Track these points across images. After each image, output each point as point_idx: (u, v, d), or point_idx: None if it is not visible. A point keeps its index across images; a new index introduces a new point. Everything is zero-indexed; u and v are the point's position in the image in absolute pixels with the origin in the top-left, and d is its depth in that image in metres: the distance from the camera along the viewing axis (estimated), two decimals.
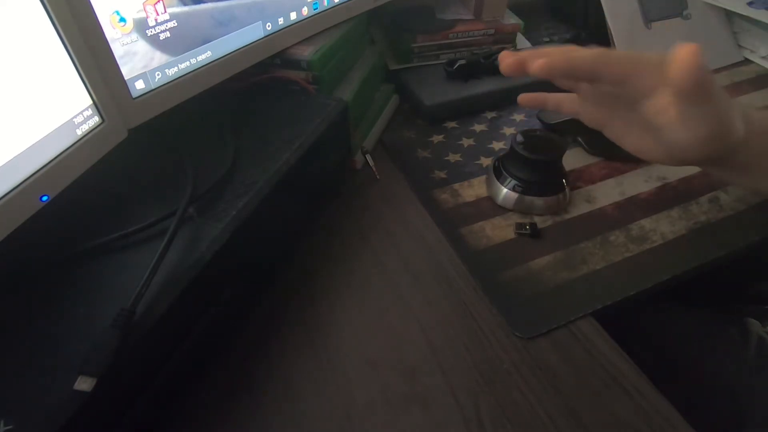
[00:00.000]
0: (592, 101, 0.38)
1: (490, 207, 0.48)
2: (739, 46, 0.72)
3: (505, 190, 0.47)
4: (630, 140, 0.37)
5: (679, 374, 0.42)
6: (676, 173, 0.50)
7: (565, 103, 0.40)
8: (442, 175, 0.52)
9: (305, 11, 0.48)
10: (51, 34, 0.29)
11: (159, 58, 0.37)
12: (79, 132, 0.32)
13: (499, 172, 0.48)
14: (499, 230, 0.45)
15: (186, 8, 0.37)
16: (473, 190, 0.50)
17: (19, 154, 0.28)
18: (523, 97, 0.41)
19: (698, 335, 0.48)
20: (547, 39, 0.75)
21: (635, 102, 0.33)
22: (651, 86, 0.31)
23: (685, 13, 0.69)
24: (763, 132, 0.34)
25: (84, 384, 0.24)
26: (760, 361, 0.45)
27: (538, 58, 0.32)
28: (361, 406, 0.34)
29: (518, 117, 0.60)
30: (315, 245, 0.45)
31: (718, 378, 0.45)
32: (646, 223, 0.45)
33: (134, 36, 0.34)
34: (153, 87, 0.37)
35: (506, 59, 0.34)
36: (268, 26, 0.45)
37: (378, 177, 0.52)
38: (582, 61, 0.32)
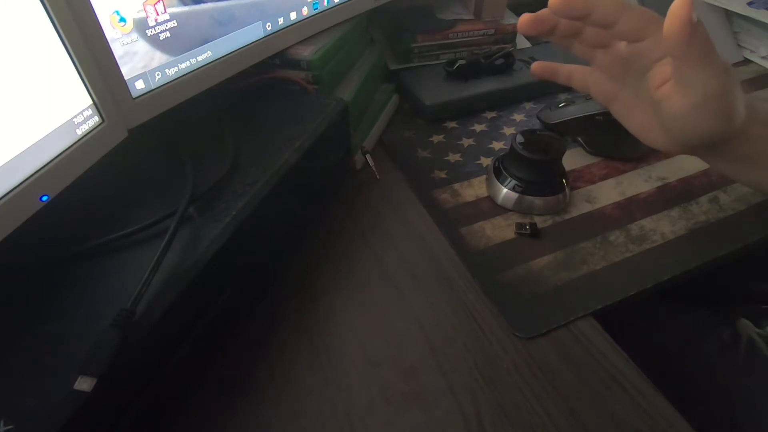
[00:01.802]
0: (604, 71, 0.38)
1: (490, 207, 0.48)
2: (739, 46, 0.72)
3: (505, 190, 0.47)
4: (635, 118, 0.37)
5: (673, 375, 0.42)
6: (676, 173, 0.50)
7: (576, 74, 0.40)
8: (442, 175, 0.52)
9: (305, 11, 0.48)
10: (51, 34, 0.29)
11: (159, 58, 0.37)
12: (79, 132, 0.32)
13: (499, 172, 0.48)
14: (499, 230, 0.45)
15: (186, 8, 0.37)
16: (473, 190, 0.50)
17: (19, 154, 0.28)
18: (536, 65, 0.41)
19: (692, 336, 0.48)
20: (547, 39, 0.74)
21: (644, 71, 0.34)
22: (659, 55, 0.32)
23: None
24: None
25: (84, 384, 0.24)
26: (750, 362, 0.45)
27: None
28: (361, 406, 0.34)
29: (518, 117, 0.60)
30: (315, 245, 0.45)
31: (711, 379, 0.45)
32: (646, 223, 0.45)
33: (134, 36, 0.34)
34: (153, 87, 0.37)
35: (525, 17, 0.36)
36: (268, 26, 0.45)
37: (378, 177, 0.52)
38: (604, 3, 0.33)
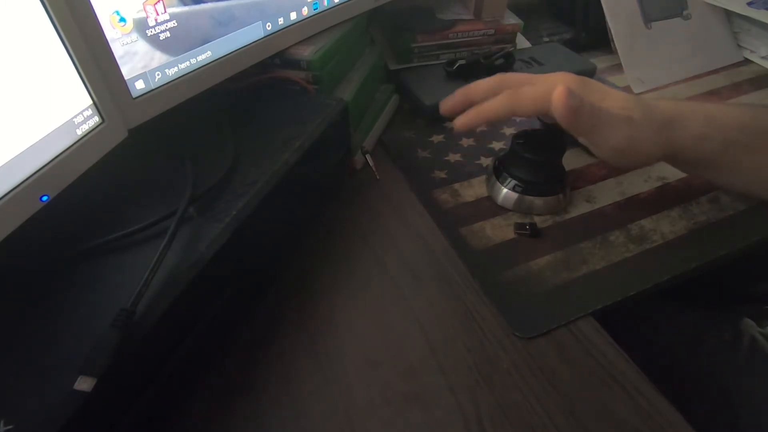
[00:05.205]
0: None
1: (490, 207, 0.48)
2: (739, 46, 0.72)
3: (505, 190, 0.47)
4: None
5: (673, 375, 0.42)
6: (675, 173, 0.50)
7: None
8: (442, 175, 0.52)
9: (305, 11, 0.48)
10: (51, 34, 0.29)
11: (159, 58, 0.37)
12: (79, 132, 0.32)
13: (499, 172, 0.48)
14: (499, 230, 0.45)
15: (186, 8, 0.37)
16: (473, 190, 0.50)
17: (19, 154, 0.28)
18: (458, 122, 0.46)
19: (693, 336, 0.48)
20: (547, 39, 0.75)
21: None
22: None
23: (685, 13, 0.69)
24: (702, 135, 0.39)
25: (84, 384, 0.24)
26: (752, 362, 0.45)
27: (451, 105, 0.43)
28: (361, 406, 0.34)
29: (518, 117, 0.60)
30: (315, 245, 0.45)
31: (711, 378, 0.45)
32: (646, 223, 0.45)
33: (134, 36, 0.34)
34: (153, 87, 0.37)
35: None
36: (268, 26, 0.45)
37: (378, 177, 0.52)
38: (481, 90, 0.41)
